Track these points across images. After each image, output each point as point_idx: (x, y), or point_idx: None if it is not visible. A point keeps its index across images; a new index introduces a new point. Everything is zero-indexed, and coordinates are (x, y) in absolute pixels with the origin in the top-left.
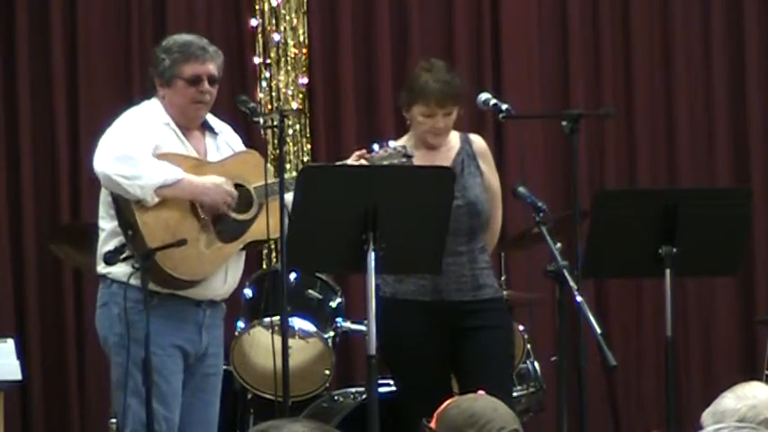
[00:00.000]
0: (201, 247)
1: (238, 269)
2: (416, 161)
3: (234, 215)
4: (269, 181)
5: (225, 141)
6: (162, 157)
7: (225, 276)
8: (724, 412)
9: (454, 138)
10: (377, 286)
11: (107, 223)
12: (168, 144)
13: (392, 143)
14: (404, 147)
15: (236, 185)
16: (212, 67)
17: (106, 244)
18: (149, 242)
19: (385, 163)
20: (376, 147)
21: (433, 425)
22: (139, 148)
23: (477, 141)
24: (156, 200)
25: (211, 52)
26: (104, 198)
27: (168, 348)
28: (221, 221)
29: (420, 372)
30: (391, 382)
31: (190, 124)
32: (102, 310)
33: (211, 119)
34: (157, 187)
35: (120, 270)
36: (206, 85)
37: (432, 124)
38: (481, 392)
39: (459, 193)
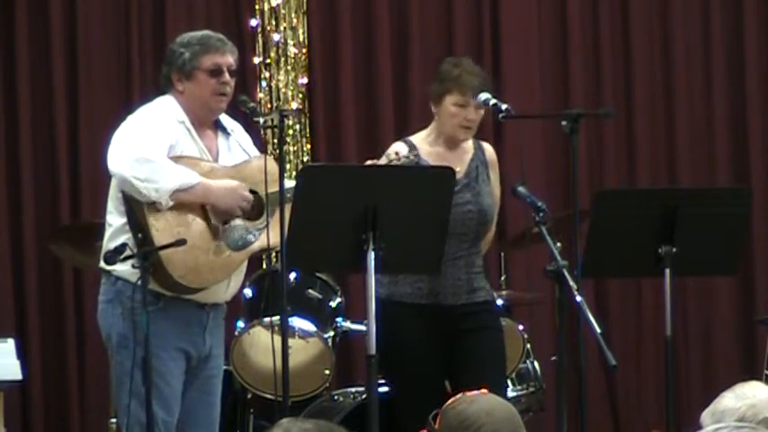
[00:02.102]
0: (211, 255)
1: (241, 273)
2: (432, 161)
3: (246, 222)
4: (277, 189)
5: (236, 141)
6: (176, 160)
7: (228, 281)
8: (724, 412)
9: (468, 142)
10: (376, 286)
11: (115, 219)
12: (182, 143)
13: (402, 152)
14: (416, 155)
15: (249, 191)
16: (231, 59)
17: (112, 240)
18: (155, 246)
19: None
20: (389, 154)
21: (436, 425)
22: (157, 150)
23: (489, 150)
24: (171, 203)
25: (229, 45)
26: (114, 194)
27: (172, 351)
28: (232, 229)
29: (415, 374)
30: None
31: (209, 117)
32: (106, 306)
33: (224, 118)
34: (173, 191)
35: (127, 269)
36: (226, 75)
37: (464, 116)
38: (483, 391)
39: (474, 199)
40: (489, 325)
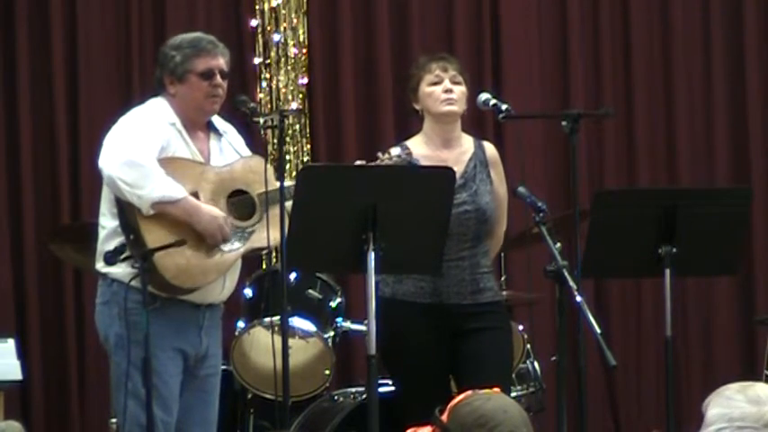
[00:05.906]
0: (203, 256)
1: (236, 273)
2: (429, 162)
3: (237, 222)
4: (272, 189)
5: (228, 143)
6: (168, 161)
7: (223, 281)
8: (744, 418)
9: (468, 141)
10: (376, 285)
11: (108, 221)
12: (173, 145)
13: (395, 150)
14: (408, 155)
15: (240, 192)
16: (223, 62)
17: (106, 242)
18: (151, 247)
19: None
20: (380, 154)
21: (444, 418)
22: (147, 155)
23: (490, 149)
24: (152, 212)
25: (221, 47)
26: (107, 195)
27: (168, 351)
28: None
29: (419, 373)
30: (390, 382)
31: (202, 120)
32: (103, 307)
33: (216, 119)
34: (155, 202)
35: (122, 270)
36: (218, 78)
37: (442, 89)
38: (496, 390)
39: (471, 198)
40: (495, 325)
